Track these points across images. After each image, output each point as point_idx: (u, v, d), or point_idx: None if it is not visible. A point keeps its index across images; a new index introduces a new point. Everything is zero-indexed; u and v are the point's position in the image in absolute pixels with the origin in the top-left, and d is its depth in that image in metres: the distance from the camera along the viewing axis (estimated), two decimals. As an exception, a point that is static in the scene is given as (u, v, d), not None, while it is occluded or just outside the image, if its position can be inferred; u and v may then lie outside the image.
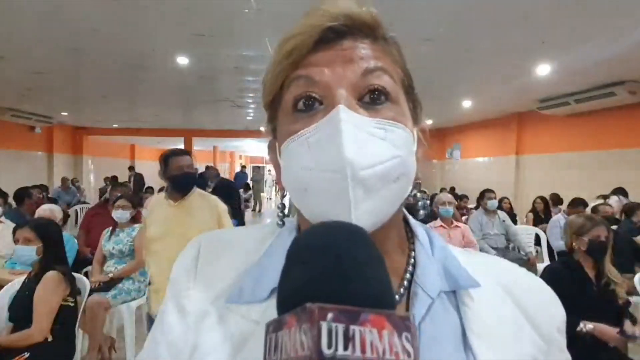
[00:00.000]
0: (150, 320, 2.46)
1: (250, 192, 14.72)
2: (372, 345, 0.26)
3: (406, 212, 0.54)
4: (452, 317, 0.46)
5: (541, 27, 4.30)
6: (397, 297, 0.46)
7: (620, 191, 5.96)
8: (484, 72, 6.35)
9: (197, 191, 2.58)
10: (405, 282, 0.48)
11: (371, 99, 0.45)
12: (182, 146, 14.74)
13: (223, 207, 2.61)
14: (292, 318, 0.28)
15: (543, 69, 5.84)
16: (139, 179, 12.86)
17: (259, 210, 15.38)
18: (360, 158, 0.41)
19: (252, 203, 14.79)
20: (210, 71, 6.33)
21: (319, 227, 0.37)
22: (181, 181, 2.53)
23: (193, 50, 5.28)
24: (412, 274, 0.48)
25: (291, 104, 0.47)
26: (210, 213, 2.54)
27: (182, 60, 5.69)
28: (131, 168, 14.19)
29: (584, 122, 8.06)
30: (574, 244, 2.46)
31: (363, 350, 0.26)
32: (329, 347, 0.25)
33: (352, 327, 0.26)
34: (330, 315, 0.26)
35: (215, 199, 2.70)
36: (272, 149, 0.53)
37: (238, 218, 6.71)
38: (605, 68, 5.78)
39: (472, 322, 0.45)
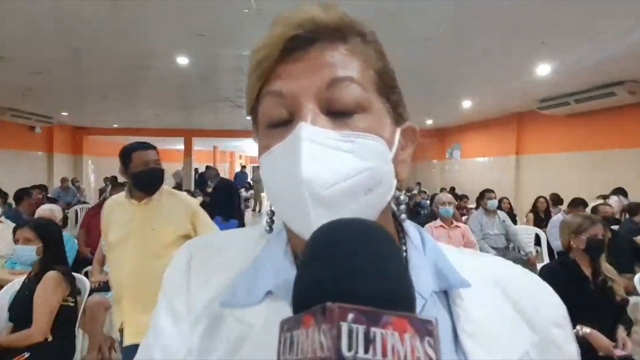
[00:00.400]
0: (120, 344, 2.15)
1: (251, 191, 14.74)
2: (393, 349, 0.25)
3: (396, 212, 0.54)
4: (444, 318, 0.45)
5: (541, 27, 4.30)
6: None
7: (620, 191, 5.97)
8: (484, 72, 6.35)
9: (165, 188, 2.29)
10: None
11: (340, 109, 0.45)
12: (182, 146, 14.73)
13: (196, 202, 2.40)
14: (310, 317, 0.27)
15: (543, 69, 5.85)
16: None
17: (259, 210, 15.38)
18: (319, 177, 0.41)
19: (252, 203, 14.81)
20: (210, 71, 6.33)
21: (337, 223, 0.36)
22: (147, 178, 2.20)
23: (193, 50, 5.28)
24: None
25: (263, 120, 0.48)
26: (184, 211, 2.26)
27: (182, 60, 5.69)
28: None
29: (584, 122, 8.06)
30: (571, 242, 2.48)
31: (384, 354, 0.25)
32: (349, 349, 0.24)
33: (373, 329, 0.25)
34: (350, 316, 0.25)
35: (186, 195, 2.50)
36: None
37: (238, 218, 6.71)
38: (605, 68, 5.78)
39: (463, 322, 0.45)
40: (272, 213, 0.53)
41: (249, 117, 0.53)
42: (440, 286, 0.47)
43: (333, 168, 0.42)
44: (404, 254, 0.51)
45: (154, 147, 2.28)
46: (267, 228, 0.53)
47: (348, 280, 0.30)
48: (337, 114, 0.45)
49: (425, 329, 0.26)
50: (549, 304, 0.49)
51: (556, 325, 0.48)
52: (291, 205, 0.43)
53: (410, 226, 0.54)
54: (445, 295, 0.47)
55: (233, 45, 4.99)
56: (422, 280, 0.47)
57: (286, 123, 0.46)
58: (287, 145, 0.44)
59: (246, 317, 0.45)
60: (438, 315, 0.45)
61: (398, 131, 0.50)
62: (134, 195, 2.21)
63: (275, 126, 0.46)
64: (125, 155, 2.22)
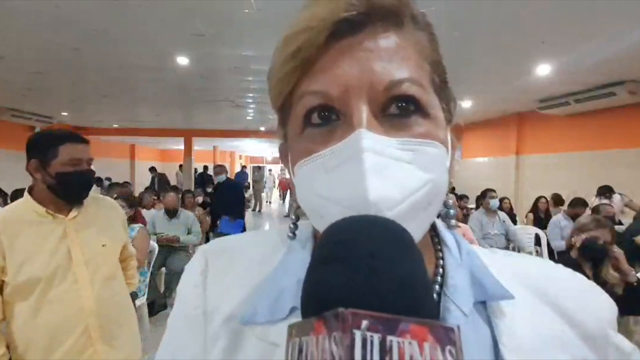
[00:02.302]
0: None
1: (250, 191, 14.76)
2: (411, 359, 0.23)
3: (444, 218, 0.49)
4: (483, 331, 0.41)
5: (541, 27, 4.30)
6: None
7: (608, 189, 5.93)
8: (484, 72, 6.34)
9: (90, 195, 1.75)
10: (434, 295, 0.42)
11: (398, 108, 0.39)
12: (182, 146, 14.70)
13: (124, 213, 1.97)
14: (321, 323, 0.25)
15: (543, 69, 5.84)
16: (161, 178, 13.04)
17: (259, 210, 15.40)
18: (386, 197, 0.35)
19: (252, 203, 14.82)
20: (210, 71, 6.32)
21: (352, 220, 0.32)
22: (80, 183, 1.65)
23: (193, 50, 5.28)
24: (440, 285, 0.43)
25: (302, 117, 0.41)
26: (120, 219, 1.85)
27: (182, 60, 5.69)
28: (152, 169, 14.18)
29: (584, 122, 8.05)
30: (572, 239, 2.47)
31: None
32: (363, 359, 0.23)
33: (389, 337, 0.23)
34: (365, 323, 0.24)
35: (115, 202, 1.97)
36: (284, 153, 0.48)
37: (243, 218, 6.75)
38: (605, 68, 5.77)
39: (504, 335, 0.40)
40: (297, 218, 0.48)
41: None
42: (478, 297, 0.42)
43: (397, 184, 0.36)
44: (441, 261, 0.46)
45: (88, 142, 1.70)
46: (290, 234, 0.48)
47: (363, 284, 0.27)
48: (395, 114, 0.39)
49: (446, 338, 0.24)
50: (598, 304, 0.45)
51: (611, 326, 0.44)
52: None
53: (445, 231, 0.48)
54: (484, 305, 0.43)
55: (233, 45, 4.99)
56: (461, 293, 0.42)
57: (333, 122, 0.39)
58: (342, 152, 0.37)
59: (270, 335, 0.41)
60: (478, 328, 0.41)
61: (449, 131, 0.44)
62: (55, 206, 1.62)
63: (319, 125, 0.40)
64: (48, 145, 1.58)
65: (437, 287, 0.43)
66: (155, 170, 14.11)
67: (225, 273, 0.47)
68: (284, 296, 0.42)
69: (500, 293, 0.42)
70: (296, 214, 0.48)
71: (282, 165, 0.50)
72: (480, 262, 0.45)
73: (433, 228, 0.48)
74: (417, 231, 0.39)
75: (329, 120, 0.40)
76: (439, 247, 0.47)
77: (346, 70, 0.38)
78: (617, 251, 2.37)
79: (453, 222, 0.47)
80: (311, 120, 0.40)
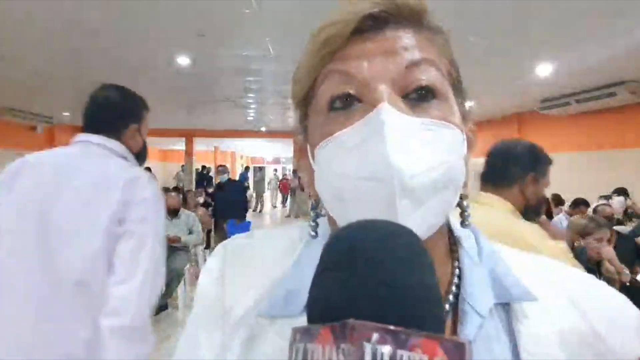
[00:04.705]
0: None
1: (251, 192, 14.78)
2: None
3: (450, 218, 0.48)
4: (503, 336, 0.40)
5: (541, 27, 4.30)
6: None
7: (622, 191, 5.95)
8: (484, 72, 6.33)
9: None
10: (451, 297, 0.42)
11: (418, 95, 0.40)
12: (182, 146, 14.70)
13: None
14: (327, 332, 0.24)
15: (543, 69, 5.84)
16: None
17: (260, 211, 15.41)
18: (408, 165, 0.36)
19: (252, 203, 14.84)
20: (210, 71, 6.33)
21: (360, 225, 0.31)
22: None
23: (193, 50, 5.28)
24: (458, 287, 0.43)
25: (325, 102, 0.42)
26: None
27: (182, 60, 5.70)
28: (147, 170, 14.13)
29: (585, 123, 8.05)
30: (575, 243, 2.48)
31: None
32: None
33: (399, 352, 0.22)
34: (375, 336, 0.23)
35: None
36: (301, 151, 0.48)
37: (247, 221, 6.77)
38: (606, 68, 5.77)
39: (527, 341, 0.39)
40: (317, 215, 0.48)
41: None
42: (499, 298, 0.42)
43: (418, 156, 0.37)
44: (457, 262, 0.45)
45: None
46: (313, 233, 0.47)
47: (368, 293, 0.27)
48: (415, 99, 0.40)
49: (457, 353, 0.23)
50: (633, 328, 0.43)
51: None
52: (369, 199, 0.37)
53: (462, 230, 0.47)
54: (505, 309, 0.42)
55: (233, 45, 4.99)
56: (479, 295, 0.41)
57: (354, 106, 0.41)
58: (363, 128, 0.38)
59: (285, 331, 0.40)
60: (497, 333, 0.40)
61: (466, 129, 0.45)
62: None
63: (341, 109, 0.41)
64: (546, 164, 1.58)
65: (454, 288, 0.43)
66: (150, 170, 14.13)
67: (245, 269, 0.48)
68: (299, 293, 0.42)
69: (522, 294, 0.41)
70: (316, 211, 0.48)
71: (295, 161, 0.50)
72: (502, 263, 0.44)
73: (448, 227, 0.47)
74: (437, 212, 0.39)
75: (351, 104, 0.41)
76: (455, 247, 0.46)
77: (369, 54, 0.40)
78: (607, 250, 2.35)
79: (468, 221, 0.46)
80: (332, 105, 0.42)
